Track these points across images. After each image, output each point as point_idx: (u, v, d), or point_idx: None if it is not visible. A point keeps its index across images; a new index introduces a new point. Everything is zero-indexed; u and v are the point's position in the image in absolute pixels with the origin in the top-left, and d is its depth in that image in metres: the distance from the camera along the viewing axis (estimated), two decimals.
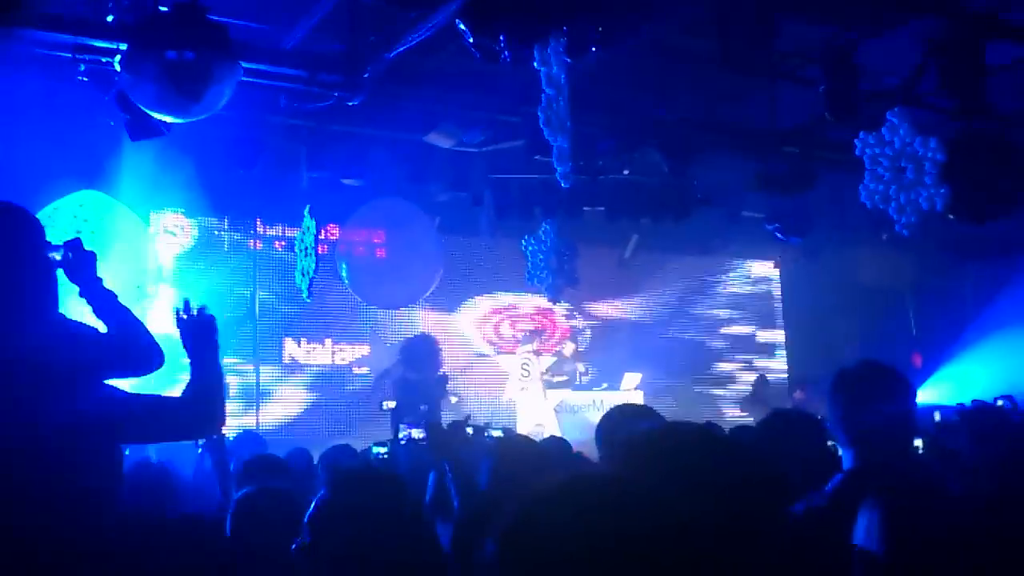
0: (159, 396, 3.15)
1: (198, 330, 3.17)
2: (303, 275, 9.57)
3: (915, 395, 3.30)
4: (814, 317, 13.43)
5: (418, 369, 9.96)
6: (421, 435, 4.45)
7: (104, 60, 6.73)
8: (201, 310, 3.21)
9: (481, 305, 12.74)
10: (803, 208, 10.45)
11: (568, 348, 12.71)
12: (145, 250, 9.58)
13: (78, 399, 2.84)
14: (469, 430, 4.48)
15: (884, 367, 3.26)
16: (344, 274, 10.82)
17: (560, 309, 12.54)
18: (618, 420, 3.79)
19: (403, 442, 4.75)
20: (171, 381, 3.45)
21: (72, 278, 3.14)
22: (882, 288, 12.97)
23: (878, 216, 7.61)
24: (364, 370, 11.75)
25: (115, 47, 6.50)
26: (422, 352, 10.20)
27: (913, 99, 7.48)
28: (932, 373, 12.23)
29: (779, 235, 10.75)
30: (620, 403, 4.35)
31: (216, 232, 11.18)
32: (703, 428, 2.07)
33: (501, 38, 6.12)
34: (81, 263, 3.15)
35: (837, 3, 7.00)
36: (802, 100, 8.14)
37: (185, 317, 3.19)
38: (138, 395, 3.07)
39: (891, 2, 6.89)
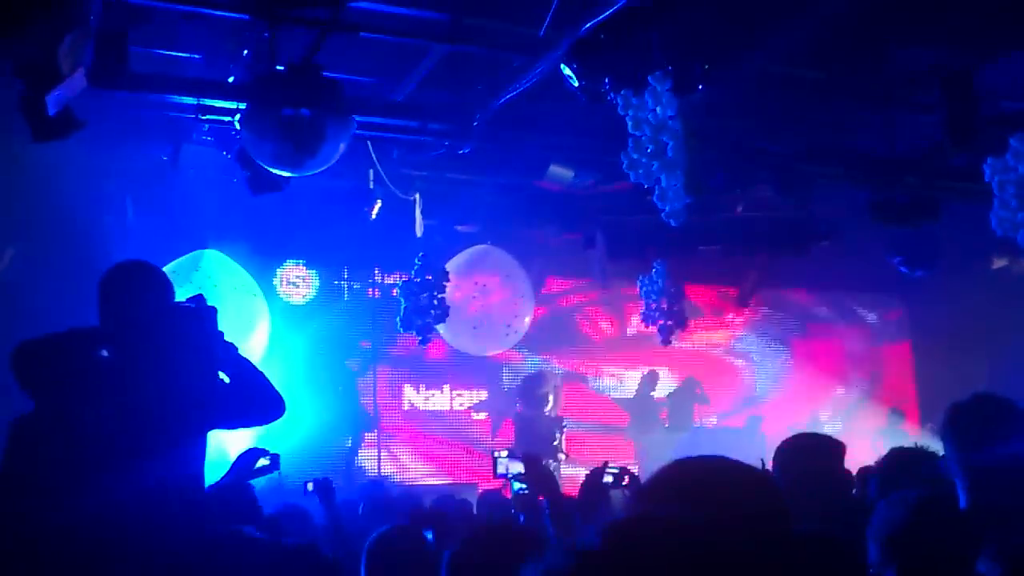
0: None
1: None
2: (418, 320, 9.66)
3: None
4: (944, 352, 12.94)
5: (530, 405, 10.13)
6: (520, 468, 4.25)
7: (226, 120, 7.02)
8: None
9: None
10: (928, 239, 10.01)
11: None
12: (259, 306, 9.86)
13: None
14: (608, 478, 4.19)
15: (1000, 401, 3.08)
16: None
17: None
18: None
19: (508, 476, 4.61)
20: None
21: (197, 331, 3.31)
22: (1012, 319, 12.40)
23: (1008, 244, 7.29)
24: (482, 415, 11.82)
25: (235, 107, 6.77)
26: (532, 387, 10.37)
27: None
28: None
29: (903, 269, 10.34)
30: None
31: (336, 282, 11.46)
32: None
33: (606, 80, 6.14)
34: (204, 317, 3.32)
35: (951, 27, 6.79)
36: (917, 127, 7.90)
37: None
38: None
39: (1008, 25, 6.65)
